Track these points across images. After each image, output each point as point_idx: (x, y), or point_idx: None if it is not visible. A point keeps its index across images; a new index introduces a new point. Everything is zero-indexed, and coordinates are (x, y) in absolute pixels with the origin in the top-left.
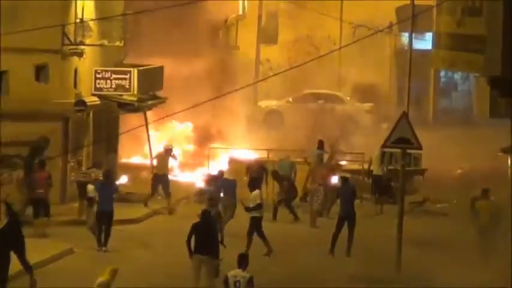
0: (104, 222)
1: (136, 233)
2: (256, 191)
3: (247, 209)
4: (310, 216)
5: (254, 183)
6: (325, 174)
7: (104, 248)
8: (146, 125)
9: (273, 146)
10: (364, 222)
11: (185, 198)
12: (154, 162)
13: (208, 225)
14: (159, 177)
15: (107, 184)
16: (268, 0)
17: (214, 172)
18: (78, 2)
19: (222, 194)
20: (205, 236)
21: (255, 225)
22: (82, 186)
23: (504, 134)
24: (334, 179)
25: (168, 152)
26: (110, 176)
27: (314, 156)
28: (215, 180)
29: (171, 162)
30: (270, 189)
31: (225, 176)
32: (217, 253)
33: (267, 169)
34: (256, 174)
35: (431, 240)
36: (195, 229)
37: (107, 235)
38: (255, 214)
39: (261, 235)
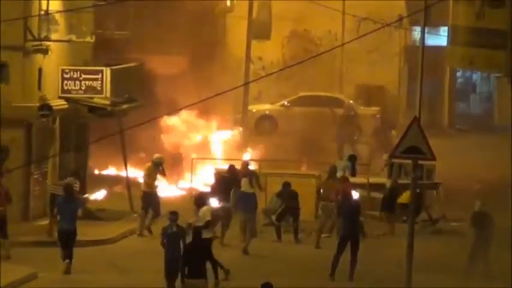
0: (66, 242)
1: (109, 255)
2: (205, 207)
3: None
4: (316, 236)
5: (203, 197)
6: (341, 188)
7: (65, 270)
8: (121, 132)
9: (266, 155)
10: (369, 242)
11: (163, 216)
12: (141, 176)
13: (200, 244)
14: (149, 195)
15: (68, 199)
16: None
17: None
18: None
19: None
20: (198, 257)
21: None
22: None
23: None
24: (355, 195)
25: (157, 165)
26: (71, 190)
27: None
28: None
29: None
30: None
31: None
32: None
33: (256, 173)
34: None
35: (445, 262)
36: (187, 250)
37: (70, 256)
38: (205, 235)
39: (212, 260)
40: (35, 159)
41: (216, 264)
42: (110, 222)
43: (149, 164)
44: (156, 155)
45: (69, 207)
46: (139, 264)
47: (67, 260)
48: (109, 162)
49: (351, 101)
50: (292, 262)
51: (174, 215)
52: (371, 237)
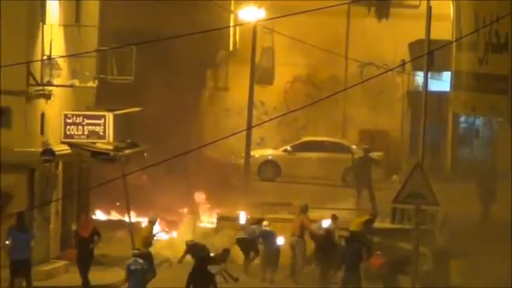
0: (21, 273)
1: None
2: None
3: None
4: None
5: None
6: (298, 223)
7: None
8: (123, 177)
9: (269, 201)
10: None
11: (167, 261)
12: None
13: (205, 273)
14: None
15: (20, 230)
16: (263, 34)
17: None
18: (45, 36)
19: None
20: (204, 286)
21: None
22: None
23: None
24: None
25: (154, 224)
26: (22, 221)
27: None
28: None
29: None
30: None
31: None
32: None
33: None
34: None
35: None
36: (192, 279)
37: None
38: None
39: None
40: (38, 204)
41: None
42: (112, 267)
43: (147, 224)
44: (152, 214)
45: (22, 237)
46: None
47: None
48: (111, 207)
49: (354, 146)
50: None
51: (137, 251)
52: None
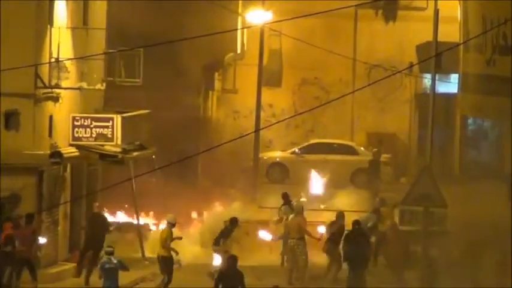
0: None
1: None
2: None
3: None
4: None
5: None
6: (296, 225)
7: None
8: (132, 179)
9: (277, 204)
10: None
11: (176, 263)
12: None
13: (235, 272)
14: (166, 260)
15: None
16: (271, 37)
17: None
18: (53, 39)
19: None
20: (235, 285)
21: None
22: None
23: None
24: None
25: (172, 226)
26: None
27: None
28: None
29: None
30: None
31: None
32: None
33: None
34: None
35: None
36: (222, 278)
37: None
38: None
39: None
40: (46, 206)
41: None
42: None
43: (165, 227)
44: (169, 215)
45: None
46: None
47: None
48: (120, 209)
49: (362, 148)
50: None
51: (110, 249)
52: None
